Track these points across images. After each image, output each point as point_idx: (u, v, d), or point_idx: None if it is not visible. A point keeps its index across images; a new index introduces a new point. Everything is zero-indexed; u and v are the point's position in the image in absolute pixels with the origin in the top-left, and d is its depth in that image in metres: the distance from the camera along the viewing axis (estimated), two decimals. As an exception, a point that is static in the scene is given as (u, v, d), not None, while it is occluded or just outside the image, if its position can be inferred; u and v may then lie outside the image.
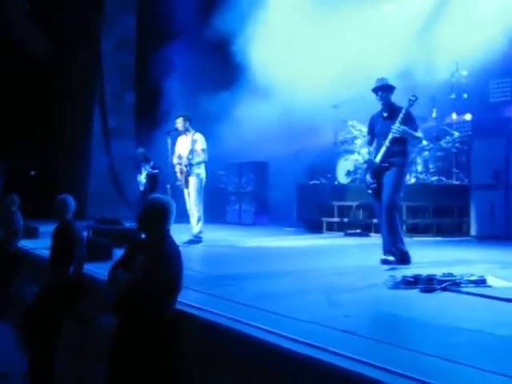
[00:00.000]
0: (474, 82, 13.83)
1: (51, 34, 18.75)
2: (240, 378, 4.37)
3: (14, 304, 10.46)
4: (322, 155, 15.99)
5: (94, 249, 8.52)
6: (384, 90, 8.12)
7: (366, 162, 8.42)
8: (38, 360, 7.56)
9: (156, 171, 14.67)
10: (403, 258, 7.80)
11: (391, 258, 7.67)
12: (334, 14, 14.52)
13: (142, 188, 14.98)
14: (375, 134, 8.33)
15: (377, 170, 7.99)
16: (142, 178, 15.06)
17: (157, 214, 5.41)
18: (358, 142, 13.76)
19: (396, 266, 7.54)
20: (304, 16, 15.22)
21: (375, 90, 8.18)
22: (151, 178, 14.77)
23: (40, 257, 9.25)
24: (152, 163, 14.67)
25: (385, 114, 8.20)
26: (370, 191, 8.17)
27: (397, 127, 7.83)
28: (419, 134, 8.23)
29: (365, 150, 8.60)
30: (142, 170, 15.14)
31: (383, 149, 7.93)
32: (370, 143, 8.53)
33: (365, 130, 10.95)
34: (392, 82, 8.21)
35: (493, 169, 11.90)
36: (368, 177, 8.12)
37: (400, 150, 7.97)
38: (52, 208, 7.99)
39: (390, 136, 7.86)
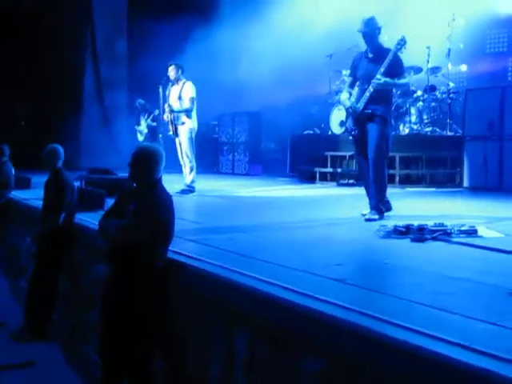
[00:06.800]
0: (471, 32, 13.69)
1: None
2: (232, 325, 4.40)
3: (7, 255, 10.51)
4: (316, 105, 15.93)
5: (87, 198, 8.51)
6: (369, 34, 7.69)
7: (347, 108, 7.90)
8: (36, 312, 7.69)
9: (154, 124, 14.64)
10: (385, 208, 7.67)
11: (376, 217, 7.41)
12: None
13: (141, 138, 14.94)
14: (358, 76, 7.87)
15: (359, 117, 7.66)
16: (143, 127, 15.01)
17: (146, 161, 5.39)
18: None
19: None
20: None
21: (361, 33, 7.77)
22: (151, 130, 14.75)
23: (32, 207, 9.24)
24: (152, 116, 14.61)
25: (370, 55, 7.77)
26: (351, 138, 7.90)
27: (377, 80, 7.43)
28: (403, 80, 7.83)
29: (345, 96, 7.96)
30: (142, 120, 15.09)
31: (366, 95, 7.55)
32: (351, 86, 7.99)
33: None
34: (379, 22, 7.72)
35: (487, 120, 11.83)
36: (349, 123, 7.80)
37: (384, 96, 7.62)
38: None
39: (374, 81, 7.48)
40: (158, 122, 14.16)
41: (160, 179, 5.49)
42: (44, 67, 18.31)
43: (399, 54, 7.69)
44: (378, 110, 7.60)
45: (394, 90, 8.11)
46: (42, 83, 18.42)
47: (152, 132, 14.80)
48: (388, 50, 7.67)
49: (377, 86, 7.49)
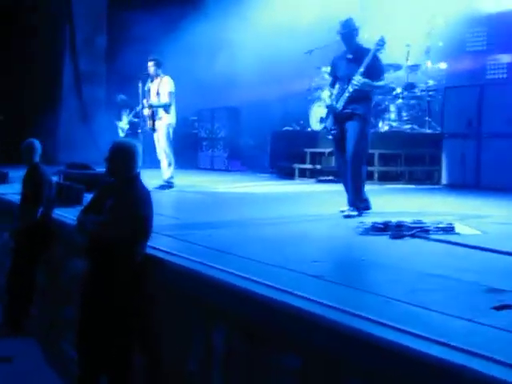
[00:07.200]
0: (450, 31, 13.74)
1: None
2: (209, 321, 4.40)
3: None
4: (295, 102, 15.92)
5: (64, 193, 8.47)
6: (347, 36, 7.74)
7: (327, 106, 7.98)
8: (14, 307, 7.63)
9: (136, 120, 14.56)
10: (364, 206, 7.67)
11: (354, 213, 7.44)
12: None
13: (123, 134, 14.85)
14: (338, 76, 7.93)
15: (339, 116, 7.69)
16: (124, 124, 14.92)
17: (122, 157, 5.36)
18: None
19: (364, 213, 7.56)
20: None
21: (339, 35, 7.81)
22: (132, 126, 14.67)
23: (10, 202, 9.16)
24: (134, 112, 14.52)
25: (349, 56, 7.79)
26: (330, 137, 7.94)
27: (357, 80, 7.46)
28: (381, 82, 7.86)
29: (326, 94, 8.15)
30: (123, 116, 15.00)
31: (346, 95, 7.59)
32: (332, 85, 8.07)
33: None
34: (356, 23, 7.76)
35: (466, 117, 11.89)
36: (329, 122, 7.83)
37: (363, 96, 7.64)
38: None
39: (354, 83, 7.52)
40: (139, 118, 14.11)
41: (138, 175, 5.47)
42: (22, 62, 18.13)
43: (378, 54, 7.74)
44: (357, 109, 7.62)
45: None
46: (19, 78, 18.24)
47: (133, 128, 14.72)
48: (367, 50, 7.69)
49: (356, 87, 7.52)
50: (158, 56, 11.13)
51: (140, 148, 5.52)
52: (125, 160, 5.35)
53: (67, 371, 6.28)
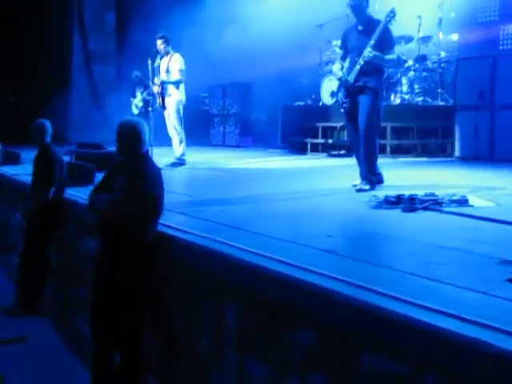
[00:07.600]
0: (462, 1, 13.59)
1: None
2: (222, 298, 4.39)
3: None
4: (306, 76, 15.83)
5: (76, 173, 8.47)
6: (357, 7, 7.61)
7: (339, 79, 7.87)
8: (28, 287, 7.67)
9: (150, 98, 14.53)
10: (377, 180, 7.62)
11: (367, 187, 7.38)
12: None
13: (136, 111, 14.83)
14: (349, 48, 7.81)
15: (350, 89, 7.60)
16: (138, 101, 14.90)
17: (128, 136, 5.33)
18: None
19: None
20: None
21: (349, 6, 7.70)
22: (145, 104, 14.65)
23: (22, 183, 9.18)
24: (148, 90, 14.49)
25: (360, 28, 7.68)
26: (342, 110, 7.85)
27: (368, 52, 7.34)
28: (392, 56, 7.73)
29: (337, 66, 7.94)
30: (137, 93, 14.97)
31: (357, 67, 7.48)
32: (343, 58, 7.94)
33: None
34: None
35: (478, 89, 11.79)
36: (340, 95, 7.73)
37: (374, 69, 7.53)
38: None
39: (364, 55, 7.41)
40: (152, 96, 14.10)
41: (147, 152, 5.45)
42: (31, 42, 18.12)
43: (389, 25, 7.59)
44: (369, 82, 7.53)
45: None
46: (29, 58, 18.23)
47: (147, 105, 14.71)
48: (378, 22, 7.57)
49: (367, 59, 7.40)
50: (166, 33, 11.04)
51: (144, 126, 5.47)
52: (131, 138, 5.31)
53: (81, 349, 6.32)
